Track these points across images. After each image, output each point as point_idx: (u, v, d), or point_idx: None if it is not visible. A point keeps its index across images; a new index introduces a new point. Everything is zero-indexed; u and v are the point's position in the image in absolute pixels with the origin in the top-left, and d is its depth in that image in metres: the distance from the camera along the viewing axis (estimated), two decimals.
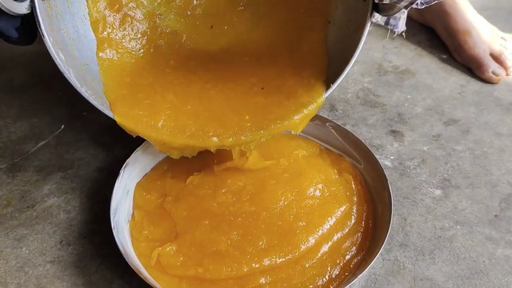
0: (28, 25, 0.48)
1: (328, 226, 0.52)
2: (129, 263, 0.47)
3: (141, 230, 0.52)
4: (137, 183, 0.57)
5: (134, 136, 0.52)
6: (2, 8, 0.44)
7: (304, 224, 0.51)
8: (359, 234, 0.52)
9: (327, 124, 0.62)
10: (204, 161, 0.59)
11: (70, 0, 0.53)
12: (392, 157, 0.63)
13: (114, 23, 0.58)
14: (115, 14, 0.59)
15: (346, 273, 0.49)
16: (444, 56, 0.81)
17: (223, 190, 0.55)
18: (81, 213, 0.56)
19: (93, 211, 0.56)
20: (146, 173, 0.59)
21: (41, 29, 0.48)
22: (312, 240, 0.50)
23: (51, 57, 0.48)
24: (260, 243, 0.50)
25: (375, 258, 0.47)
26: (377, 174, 0.56)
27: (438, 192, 0.59)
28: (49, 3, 0.49)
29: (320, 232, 0.51)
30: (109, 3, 0.58)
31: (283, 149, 0.61)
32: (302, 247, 0.49)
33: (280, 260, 0.49)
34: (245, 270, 0.48)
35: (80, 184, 0.60)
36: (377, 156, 0.58)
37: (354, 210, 0.54)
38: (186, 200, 0.54)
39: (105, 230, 0.52)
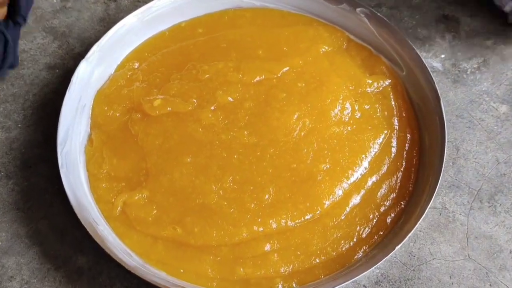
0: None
1: (363, 168, 0.39)
2: (80, 220, 0.35)
3: (101, 164, 0.40)
4: (97, 91, 0.43)
5: None
6: None
7: (329, 166, 0.39)
8: (399, 174, 0.39)
9: (358, 9, 0.48)
10: (188, 58, 0.45)
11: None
12: (442, 56, 0.49)
13: None
14: None
15: (381, 232, 0.37)
16: None
17: (212, 107, 0.41)
18: (25, 131, 0.44)
19: (41, 128, 0.45)
20: (110, 75, 0.45)
21: None
22: (339, 192, 0.38)
23: None
24: (266, 196, 0.38)
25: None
26: (425, 84, 0.43)
27: (503, 108, 0.46)
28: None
29: (352, 178, 0.38)
30: None
31: (298, 42, 0.47)
32: (326, 202, 0.37)
33: (294, 223, 0.37)
34: (244, 235, 0.36)
35: (24, 88, 0.48)
36: (423, 54, 0.46)
37: (394, 140, 0.41)
38: (160, 119, 0.41)
39: (56, 155, 0.39)
